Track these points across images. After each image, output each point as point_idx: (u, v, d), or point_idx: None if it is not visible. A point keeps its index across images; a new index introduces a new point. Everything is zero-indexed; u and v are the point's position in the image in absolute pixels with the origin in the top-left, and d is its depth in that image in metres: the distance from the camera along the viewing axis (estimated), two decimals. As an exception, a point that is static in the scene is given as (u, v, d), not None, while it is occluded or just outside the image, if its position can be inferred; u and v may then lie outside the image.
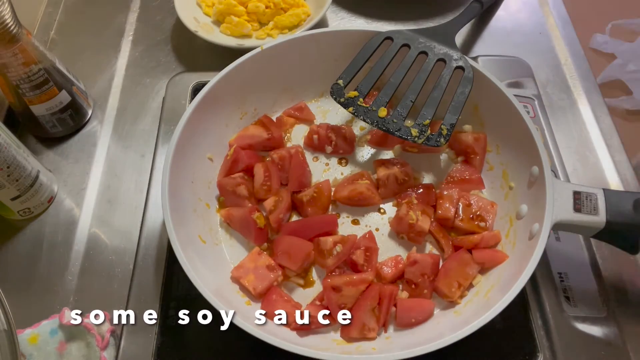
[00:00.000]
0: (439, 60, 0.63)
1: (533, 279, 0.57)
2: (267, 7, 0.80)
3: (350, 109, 0.62)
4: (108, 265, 0.61)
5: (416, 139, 0.59)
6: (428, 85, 0.62)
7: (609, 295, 0.57)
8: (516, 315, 0.56)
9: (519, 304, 0.56)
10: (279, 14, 0.81)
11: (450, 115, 0.60)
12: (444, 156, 0.67)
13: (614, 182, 0.67)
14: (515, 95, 0.60)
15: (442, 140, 0.59)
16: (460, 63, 0.62)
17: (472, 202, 0.60)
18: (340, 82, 0.63)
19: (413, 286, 0.56)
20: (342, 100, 0.62)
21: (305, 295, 0.57)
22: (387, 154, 0.67)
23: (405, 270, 0.56)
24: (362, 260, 0.57)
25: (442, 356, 0.46)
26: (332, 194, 0.63)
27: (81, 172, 0.69)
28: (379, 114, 0.61)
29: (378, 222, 0.62)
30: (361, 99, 0.62)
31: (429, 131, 0.59)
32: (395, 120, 0.60)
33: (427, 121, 0.60)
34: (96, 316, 0.56)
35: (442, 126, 0.59)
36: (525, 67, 0.75)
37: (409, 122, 0.60)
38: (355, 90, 0.62)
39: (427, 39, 0.65)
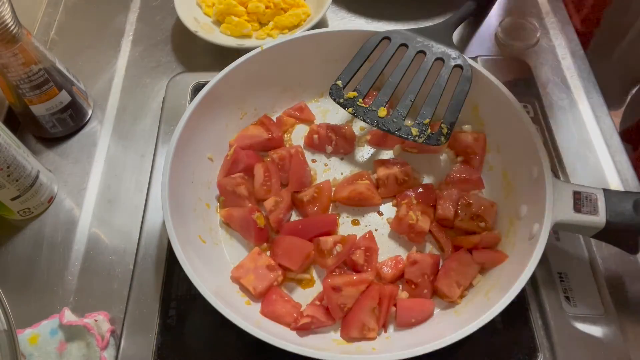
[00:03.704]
0: (437, 59, 0.63)
1: (533, 279, 0.57)
2: (267, 7, 0.80)
3: (350, 109, 0.62)
4: (108, 265, 0.61)
5: (417, 138, 0.59)
6: (427, 85, 0.62)
7: (609, 295, 0.57)
8: (516, 315, 0.56)
9: (519, 304, 0.56)
10: (279, 14, 0.81)
11: (450, 114, 0.60)
12: (443, 156, 0.67)
13: (614, 182, 0.67)
14: (515, 95, 0.60)
15: (442, 139, 0.59)
16: (459, 61, 0.62)
17: (472, 202, 0.60)
18: (339, 82, 0.63)
19: (413, 286, 0.56)
20: (341, 101, 0.62)
21: (305, 295, 0.57)
22: (387, 154, 0.67)
23: (405, 270, 0.56)
24: (362, 260, 0.57)
25: (442, 356, 0.46)
26: (332, 194, 0.63)
27: (81, 172, 0.69)
28: (378, 113, 0.61)
29: (378, 222, 0.62)
30: (360, 99, 0.62)
31: (429, 130, 0.59)
32: (395, 120, 0.60)
33: (427, 120, 0.60)
34: (96, 316, 0.56)
35: (442, 125, 0.59)
36: (525, 67, 0.75)
37: (408, 122, 0.60)
38: (354, 90, 0.62)
39: (424, 38, 0.65)
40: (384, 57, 0.64)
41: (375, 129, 0.62)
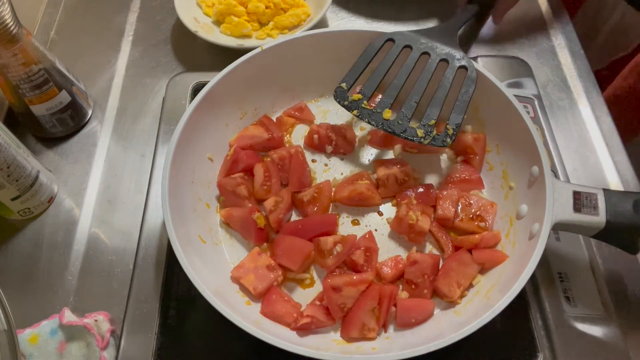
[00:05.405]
0: (441, 60, 0.63)
1: (533, 279, 0.57)
2: (267, 7, 0.80)
3: (355, 111, 0.62)
4: (108, 265, 0.61)
5: (422, 139, 0.59)
6: (432, 86, 0.62)
7: (609, 295, 0.57)
8: (516, 315, 0.56)
9: (519, 304, 0.56)
10: (279, 14, 0.81)
11: (456, 115, 0.60)
12: (443, 156, 0.67)
13: (614, 182, 0.67)
14: (515, 95, 0.60)
15: (448, 140, 0.59)
16: (463, 62, 0.62)
17: (472, 202, 0.60)
18: (344, 85, 0.63)
19: (413, 286, 0.56)
20: (346, 103, 0.62)
21: (305, 295, 0.57)
22: (387, 154, 0.67)
23: (405, 270, 0.56)
24: (362, 261, 0.57)
25: (442, 356, 0.46)
26: (332, 194, 0.63)
27: (81, 172, 0.69)
28: (383, 115, 0.61)
29: (378, 223, 0.62)
30: (365, 102, 0.62)
31: (434, 131, 0.59)
32: (400, 122, 0.60)
33: (433, 121, 0.60)
34: (96, 316, 0.56)
35: (448, 126, 0.59)
36: (525, 67, 0.75)
37: (414, 123, 0.60)
38: (358, 93, 0.62)
39: (428, 39, 0.65)
40: (388, 58, 0.63)
41: (375, 129, 0.62)
